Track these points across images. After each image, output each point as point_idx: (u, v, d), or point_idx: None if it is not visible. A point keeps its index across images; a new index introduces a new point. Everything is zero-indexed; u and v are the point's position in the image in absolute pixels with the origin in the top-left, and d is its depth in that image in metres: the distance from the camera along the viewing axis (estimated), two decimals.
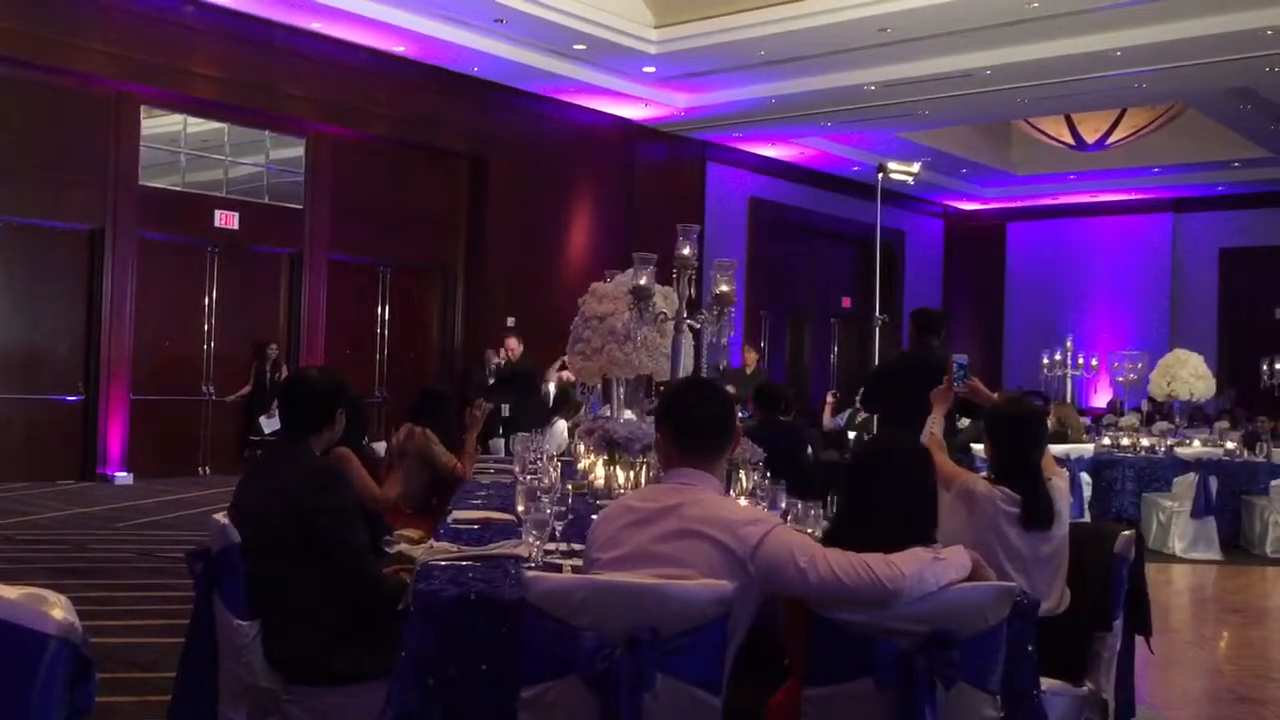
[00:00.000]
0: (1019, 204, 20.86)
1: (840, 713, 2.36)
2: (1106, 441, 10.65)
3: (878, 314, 7.77)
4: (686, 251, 4.26)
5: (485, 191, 14.38)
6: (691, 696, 2.30)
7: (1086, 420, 11.48)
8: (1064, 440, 10.02)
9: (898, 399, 6.10)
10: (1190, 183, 18.75)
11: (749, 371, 12.48)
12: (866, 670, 2.32)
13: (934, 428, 4.37)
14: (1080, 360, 12.88)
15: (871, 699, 2.32)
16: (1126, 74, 12.97)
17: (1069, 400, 11.78)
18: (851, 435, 10.58)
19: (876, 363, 7.29)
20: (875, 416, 10.27)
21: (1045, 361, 12.44)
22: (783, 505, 3.91)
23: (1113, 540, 3.44)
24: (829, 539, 2.66)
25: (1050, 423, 9.68)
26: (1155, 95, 14.83)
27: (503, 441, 8.77)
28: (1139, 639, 3.62)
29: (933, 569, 2.38)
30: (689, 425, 2.67)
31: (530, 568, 2.91)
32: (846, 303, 19.96)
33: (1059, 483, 3.76)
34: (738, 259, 17.70)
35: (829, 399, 12.26)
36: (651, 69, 13.83)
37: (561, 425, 9.58)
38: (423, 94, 13.45)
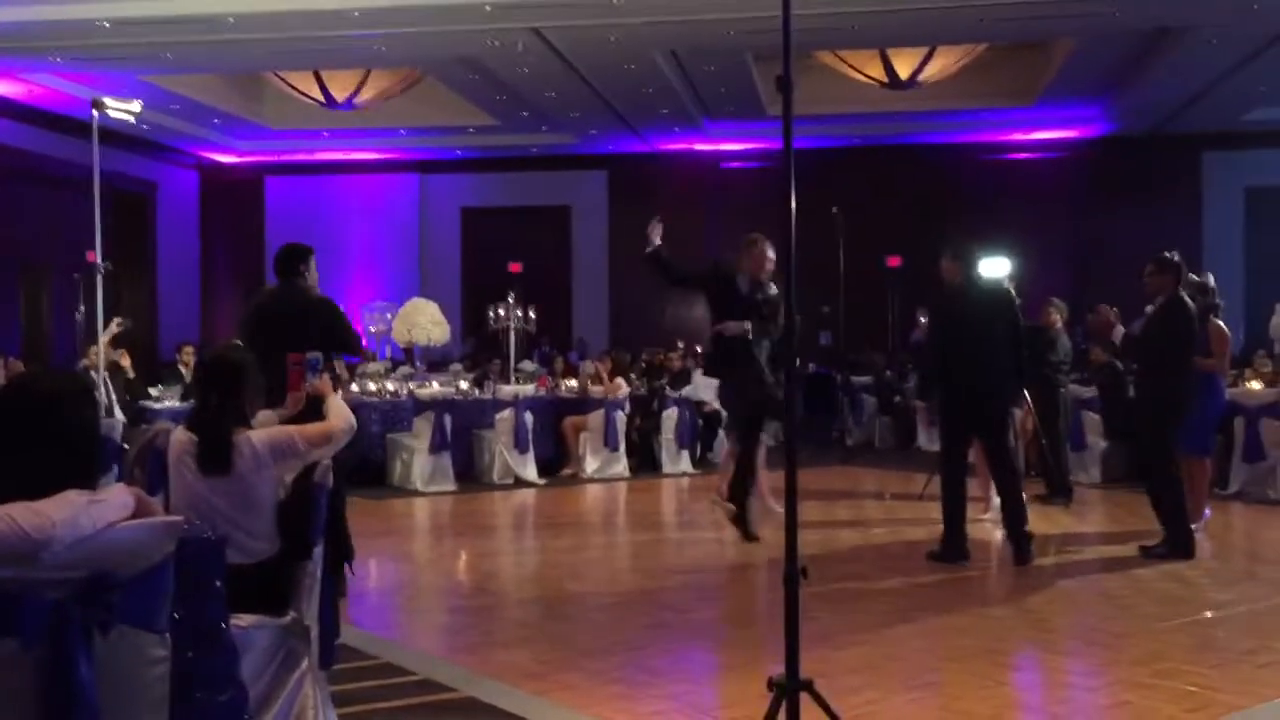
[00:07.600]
0: (275, 159, 20.77)
1: None
2: (355, 389, 11.08)
3: (100, 262, 7.32)
4: None
5: None
6: None
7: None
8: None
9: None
10: (433, 146, 20.05)
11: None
12: (10, 630, 2.12)
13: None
14: None
15: (17, 660, 2.12)
16: (365, 35, 13.38)
17: None
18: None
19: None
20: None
21: None
22: None
23: (312, 471, 3.54)
24: None
25: None
26: (394, 59, 15.52)
27: None
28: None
29: (88, 512, 2.24)
30: None
31: None
32: (91, 256, 18.42)
33: (256, 434, 3.66)
34: None
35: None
36: None
37: None
38: None
